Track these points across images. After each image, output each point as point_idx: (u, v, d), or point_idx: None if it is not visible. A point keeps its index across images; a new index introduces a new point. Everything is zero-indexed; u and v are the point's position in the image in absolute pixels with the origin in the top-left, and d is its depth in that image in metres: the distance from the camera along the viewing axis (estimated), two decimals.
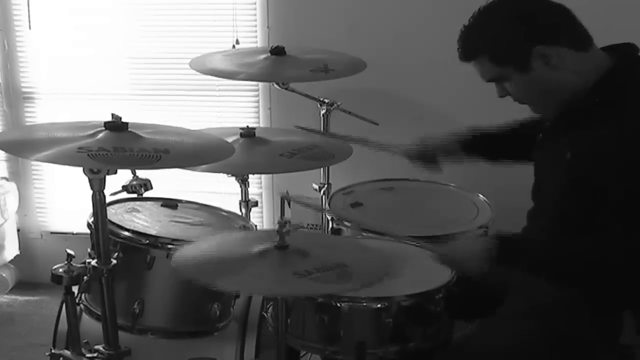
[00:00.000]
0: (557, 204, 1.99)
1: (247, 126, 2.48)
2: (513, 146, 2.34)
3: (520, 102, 2.02)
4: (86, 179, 1.91)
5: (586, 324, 1.95)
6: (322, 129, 2.86)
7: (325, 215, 2.72)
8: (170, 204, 2.52)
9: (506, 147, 2.37)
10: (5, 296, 3.66)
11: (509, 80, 1.96)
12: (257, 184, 3.54)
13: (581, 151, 1.89)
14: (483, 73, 1.99)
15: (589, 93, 1.91)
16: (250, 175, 2.76)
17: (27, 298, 3.65)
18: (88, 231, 2.23)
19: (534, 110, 2.05)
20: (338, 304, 2.03)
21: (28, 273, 3.73)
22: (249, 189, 2.74)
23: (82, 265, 2.03)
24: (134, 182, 2.46)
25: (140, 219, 2.36)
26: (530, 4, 1.96)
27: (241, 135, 2.45)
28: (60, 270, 2.02)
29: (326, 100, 2.87)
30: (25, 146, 1.95)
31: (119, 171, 1.96)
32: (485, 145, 2.39)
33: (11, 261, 3.68)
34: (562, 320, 1.95)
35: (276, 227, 1.91)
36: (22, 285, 3.72)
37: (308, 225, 3.28)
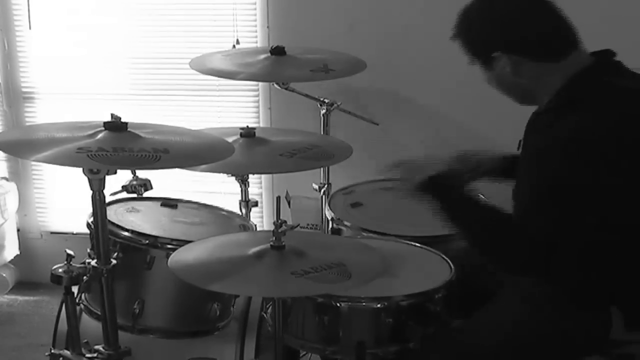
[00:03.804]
0: (530, 201, 1.94)
1: (247, 126, 2.48)
2: None
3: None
4: (86, 179, 1.91)
5: (572, 318, 1.95)
6: (322, 131, 2.87)
7: (325, 215, 2.72)
8: (170, 204, 2.52)
9: None
10: (5, 296, 3.65)
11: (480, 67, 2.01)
12: (257, 184, 3.53)
13: (545, 150, 1.88)
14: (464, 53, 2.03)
15: (556, 95, 1.93)
16: (250, 175, 2.76)
17: (27, 298, 3.65)
18: (88, 231, 2.23)
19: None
20: (338, 304, 2.03)
21: (28, 273, 3.72)
22: (249, 189, 2.74)
23: (82, 265, 2.03)
24: (134, 182, 2.46)
25: (140, 219, 2.36)
26: (511, 8, 1.96)
27: (241, 135, 2.45)
28: (60, 270, 2.02)
29: (326, 100, 2.87)
30: (25, 146, 1.94)
31: (119, 171, 1.96)
32: None
33: (11, 261, 3.68)
34: (548, 313, 1.96)
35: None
36: (22, 285, 3.72)
37: (308, 225, 3.28)
